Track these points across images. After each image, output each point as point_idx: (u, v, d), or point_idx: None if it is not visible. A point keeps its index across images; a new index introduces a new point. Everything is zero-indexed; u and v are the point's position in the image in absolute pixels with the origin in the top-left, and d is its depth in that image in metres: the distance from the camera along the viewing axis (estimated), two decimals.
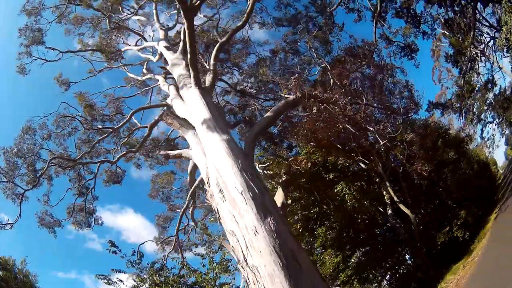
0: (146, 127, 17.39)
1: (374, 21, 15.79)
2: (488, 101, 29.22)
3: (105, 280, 10.14)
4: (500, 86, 27.24)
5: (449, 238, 14.79)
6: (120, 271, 10.43)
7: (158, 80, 18.94)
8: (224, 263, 9.22)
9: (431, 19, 20.35)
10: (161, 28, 17.56)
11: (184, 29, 11.69)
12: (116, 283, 10.35)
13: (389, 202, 14.41)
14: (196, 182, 12.15)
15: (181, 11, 7.98)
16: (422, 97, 20.60)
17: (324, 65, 15.08)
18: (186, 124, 8.74)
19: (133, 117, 17.66)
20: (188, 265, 9.93)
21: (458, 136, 26.49)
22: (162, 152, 10.54)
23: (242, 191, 5.63)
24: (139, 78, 21.16)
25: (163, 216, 22.29)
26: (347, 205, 13.36)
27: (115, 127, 18.28)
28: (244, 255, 5.12)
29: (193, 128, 8.60)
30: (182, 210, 15.24)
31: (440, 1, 19.27)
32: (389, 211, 14.41)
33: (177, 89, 14.85)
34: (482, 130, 35.22)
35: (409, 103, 17.26)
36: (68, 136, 18.15)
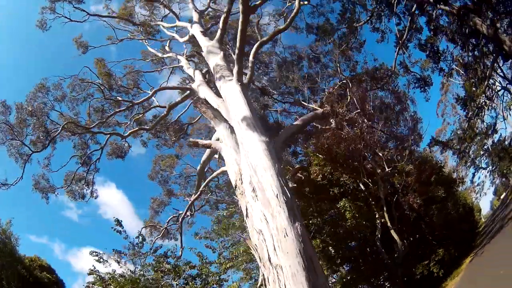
0: (165, 107, 17.85)
1: (397, 48, 16.55)
2: (485, 147, 30.49)
3: (97, 257, 10.56)
4: (501, 134, 28.37)
5: (427, 271, 15.69)
6: (121, 253, 10.88)
7: (179, 61, 19.32)
8: (234, 259, 9.76)
9: (450, 58, 21.39)
10: (195, 10, 17.74)
11: (224, 18, 12.35)
12: (107, 261, 10.74)
13: (379, 227, 15.25)
14: (215, 174, 12.60)
15: (241, 8, 8.42)
16: (426, 130, 21.71)
17: (345, 81, 15.72)
18: (219, 116, 9.21)
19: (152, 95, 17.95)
20: (204, 257, 10.38)
21: (451, 176, 27.68)
22: (191, 140, 10.88)
23: (277, 194, 6.25)
24: (159, 54, 21.34)
25: (158, 200, 22.49)
26: (347, 221, 14.14)
27: (135, 101, 18.52)
28: (269, 253, 5.72)
29: (226, 121, 9.14)
30: (192, 199, 15.43)
31: (464, 44, 20.25)
32: (378, 235, 15.23)
33: (204, 76, 15.43)
34: (473, 174, 36.51)
35: (415, 135, 18.27)
36: (82, 102, 18.13)
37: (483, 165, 35.55)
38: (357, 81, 15.87)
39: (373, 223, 15.49)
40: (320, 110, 11.36)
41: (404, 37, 19.63)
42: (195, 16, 17.26)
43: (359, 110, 13.43)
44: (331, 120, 12.11)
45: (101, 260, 10.63)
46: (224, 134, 8.86)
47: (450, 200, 21.02)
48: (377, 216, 15.35)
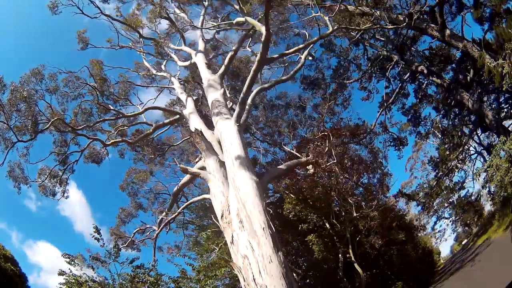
0: (151, 125, 18.95)
1: (381, 110, 18.75)
2: (450, 200, 33.29)
3: (68, 260, 11.18)
4: (468, 190, 31.49)
5: None
6: (99, 260, 11.57)
7: (172, 82, 20.40)
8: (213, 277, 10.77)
9: (430, 124, 24.11)
10: (202, 39, 18.80)
11: (231, 56, 13.95)
12: (78, 264, 11.36)
13: (342, 260, 16.91)
14: (196, 199, 13.73)
15: (258, 57, 9.82)
16: (393, 184, 24.19)
17: (326, 133, 17.48)
18: (211, 149, 10.50)
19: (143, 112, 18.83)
20: (186, 274, 11.27)
21: (412, 223, 30.54)
22: (181, 166, 11.66)
23: (264, 228, 7.56)
24: (153, 71, 22.19)
25: (127, 211, 22.97)
26: (314, 254, 15.60)
27: (125, 114, 19.22)
28: (253, 275, 6.98)
29: (216, 155, 10.46)
30: (169, 218, 16.09)
31: (446, 113, 22.98)
32: (341, 267, 16.81)
33: (195, 104, 16.65)
34: (435, 223, 39.21)
35: (383, 186, 20.45)
36: (72, 99, 18.41)
37: (446, 215, 38.78)
38: (337, 134, 17.74)
39: (337, 258, 17.12)
40: (304, 159, 12.90)
41: (390, 100, 22.16)
42: (201, 45, 18.22)
43: (336, 161, 15.05)
44: (311, 167, 13.67)
45: (72, 263, 11.28)
46: (213, 167, 10.13)
47: (410, 243, 23.71)
48: (341, 251, 16.96)
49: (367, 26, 14.58)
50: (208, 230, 17.16)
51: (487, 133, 23.22)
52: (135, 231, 19.67)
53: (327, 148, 13.13)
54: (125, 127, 20.72)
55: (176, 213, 15.79)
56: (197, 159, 16.16)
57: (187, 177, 15.21)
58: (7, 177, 17.60)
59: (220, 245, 14.25)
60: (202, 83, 15.69)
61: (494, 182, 14.10)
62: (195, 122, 14.12)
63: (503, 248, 12.06)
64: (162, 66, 22.40)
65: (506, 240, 13.86)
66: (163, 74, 21.92)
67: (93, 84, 18.61)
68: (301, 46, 12.38)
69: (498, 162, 13.58)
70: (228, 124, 10.99)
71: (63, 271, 10.78)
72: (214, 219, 10.24)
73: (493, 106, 20.49)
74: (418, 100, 24.41)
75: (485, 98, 20.43)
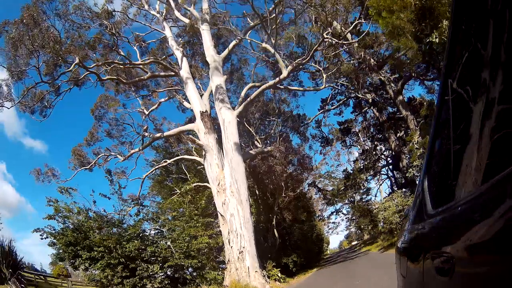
0: (147, 72, 21.69)
1: (321, 111, 25.06)
2: (352, 199, 39.59)
3: (68, 193, 14.57)
4: (371, 198, 39.68)
5: (285, 263, 23.79)
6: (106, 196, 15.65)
7: (165, 31, 22.54)
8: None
9: (356, 138, 31.39)
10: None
11: (235, 44, 17.93)
12: (70, 194, 14.53)
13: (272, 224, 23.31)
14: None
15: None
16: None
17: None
18: (212, 128, 15.35)
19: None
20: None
21: (313, 206, 38.28)
22: (191, 137, 16.27)
23: (246, 200, 12.75)
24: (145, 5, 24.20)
25: (96, 137, 23.98)
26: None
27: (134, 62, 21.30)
28: (236, 227, 12.17)
29: (215, 133, 15.16)
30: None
31: (372, 141, 30.28)
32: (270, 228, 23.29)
33: (189, 67, 20.28)
34: (332, 213, 46.99)
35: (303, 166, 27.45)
36: (81, 28, 20.22)
37: (344, 212, 47.21)
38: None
39: (270, 221, 23.41)
40: (268, 149, 18.37)
41: (332, 107, 28.50)
42: (206, 15, 20.27)
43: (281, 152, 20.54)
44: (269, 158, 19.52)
45: (63, 192, 14.52)
46: (213, 142, 15.01)
47: (308, 223, 31.23)
48: (270, 218, 23.24)
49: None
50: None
51: (397, 172, 30.47)
52: (99, 156, 22.17)
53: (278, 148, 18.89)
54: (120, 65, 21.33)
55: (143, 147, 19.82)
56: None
57: (178, 129, 19.22)
58: None
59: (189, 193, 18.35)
60: (206, 55, 18.56)
61: (383, 215, 21.01)
62: (192, 91, 17.95)
63: (375, 262, 17.88)
64: (156, 5, 23.64)
65: (377, 256, 20.02)
66: (155, 14, 23.34)
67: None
68: None
69: (390, 204, 20.37)
70: (230, 114, 15.48)
71: (54, 199, 13.96)
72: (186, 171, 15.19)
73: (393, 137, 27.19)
74: (354, 117, 31.28)
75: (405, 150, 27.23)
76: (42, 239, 13.73)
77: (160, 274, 13.65)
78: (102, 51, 22.24)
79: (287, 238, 26.56)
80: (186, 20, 21.70)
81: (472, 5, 1.20)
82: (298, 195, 27.51)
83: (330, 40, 15.81)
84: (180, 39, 24.25)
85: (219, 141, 15.49)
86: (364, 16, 17.00)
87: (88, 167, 22.25)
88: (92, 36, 21.45)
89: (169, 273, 14.08)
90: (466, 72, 1.25)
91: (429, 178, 1.84)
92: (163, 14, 23.61)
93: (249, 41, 20.82)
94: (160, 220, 15.36)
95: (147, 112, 23.04)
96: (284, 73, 15.17)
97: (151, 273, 12.92)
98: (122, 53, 21.33)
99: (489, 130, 0.98)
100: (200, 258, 13.43)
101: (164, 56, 24.05)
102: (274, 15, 15.50)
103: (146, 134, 20.11)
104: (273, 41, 14.92)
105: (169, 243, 13.33)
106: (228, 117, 15.38)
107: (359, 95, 26.92)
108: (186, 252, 13.14)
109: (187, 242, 13.41)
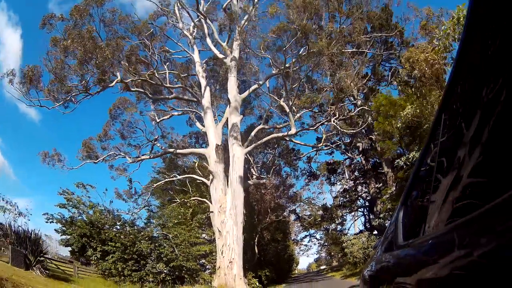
0: (172, 93, 25.57)
1: (314, 149, 29.46)
2: (327, 227, 41.93)
3: (84, 188, 17.53)
4: (346, 228, 42.04)
5: (259, 276, 27.50)
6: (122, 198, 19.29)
7: (193, 58, 27.11)
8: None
9: (342, 177, 35.65)
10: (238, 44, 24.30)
11: (255, 88, 22.06)
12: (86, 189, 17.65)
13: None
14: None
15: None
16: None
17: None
18: (222, 159, 19.12)
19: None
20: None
21: (289, 229, 42.32)
22: (204, 164, 20.36)
23: (241, 222, 16.63)
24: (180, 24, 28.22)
25: (109, 135, 26.34)
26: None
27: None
28: (229, 242, 16.06)
29: (223, 164, 18.98)
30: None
31: (355, 182, 34.36)
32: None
33: (211, 96, 24.20)
34: (306, 236, 49.77)
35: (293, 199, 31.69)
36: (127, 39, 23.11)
37: (318, 237, 50.08)
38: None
39: (253, 238, 27.39)
40: (263, 181, 22.53)
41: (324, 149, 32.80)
42: (236, 52, 24.08)
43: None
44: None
45: (80, 186, 17.25)
46: (220, 171, 18.73)
47: (283, 244, 35.85)
48: (254, 236, 27.25)
49: None
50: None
51: (372, 215, 34.21)
52: (108, 153, 24.74)
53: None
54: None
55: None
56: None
57: (189, 150, 23.25)
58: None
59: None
60: (228, 93, 21.71)
61: (350, 250, 24.90)
62: (210, 122, 21.57)
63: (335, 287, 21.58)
64: (191, 28, 26.41)
65: (338, 282, 23.97)
66: (187, 35, 25.91)
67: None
68: None
69: (357, 242, 24.38)
70: (240, 150, 19.25)
71: (65, 191, 16.72)
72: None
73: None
74: (343, 159, 35.43)
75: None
76: (47, 222, 16.05)
77: (165, 271, 17.23)
78: (134, 63, 24.28)
79: (263, 254, 30.61)
80: (216, 52, 24.20)
81: (451, 108, 1.26)
82: (279, 219, 32.14)
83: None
84: (204, 64, 26.52)
85: (226, 169, 19.31)
86: None
87: (96, 161, 24.33)
88: (127, 47, 23.59)
89: (168, 271, 17.61)
90: (439, 152, 1.35)
91: (404, 210, 1.91)
92: (193, 34, 26.40)
93: (267, 85, 24.36)
94: (167, 226, 19.12)
95: (158, 120, 26.11)
96: (293, 130, 19.03)
97: (158, 270, 16.64)
98: (154, 73, 23.03)
99: (453, 197, 1.03)
100: (197, 262, 17.43)
101: (185, 74, 27.43)
102: (291, 75, 18.97)
103: (159, 145, 23.85)
104: (290, 103, 18.54)
105: (175, 247, 17.21)
106: (238, 153, 19.06)
107: (349, 155, 31.71)
108: (187, 256, 17.15)
109: (188, 248, 17.45)
